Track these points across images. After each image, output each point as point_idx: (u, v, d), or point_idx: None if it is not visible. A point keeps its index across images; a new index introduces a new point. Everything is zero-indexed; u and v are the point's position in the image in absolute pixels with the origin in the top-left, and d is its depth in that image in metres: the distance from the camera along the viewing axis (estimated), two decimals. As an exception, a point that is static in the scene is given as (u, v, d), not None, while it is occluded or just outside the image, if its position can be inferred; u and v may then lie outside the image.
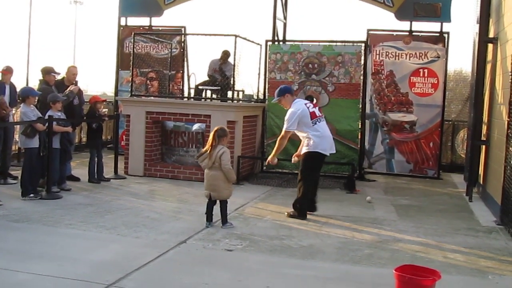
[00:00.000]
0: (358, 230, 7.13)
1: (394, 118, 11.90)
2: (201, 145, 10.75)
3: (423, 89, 11.80)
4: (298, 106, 7.70)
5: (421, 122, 11.78)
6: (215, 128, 7.07)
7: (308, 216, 7.67)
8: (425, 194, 10.11)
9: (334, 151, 7.91)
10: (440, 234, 7.05)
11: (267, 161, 7.86)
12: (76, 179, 9.77)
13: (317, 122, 7.68)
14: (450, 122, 13.27)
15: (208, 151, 6.92)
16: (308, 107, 7.70)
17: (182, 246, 6.09)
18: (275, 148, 7.90)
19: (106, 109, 10.95)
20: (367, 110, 11.94)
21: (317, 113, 7.76)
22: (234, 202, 7.77)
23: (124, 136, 11.23)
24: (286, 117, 7.73)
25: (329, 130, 7.87)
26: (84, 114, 10.14)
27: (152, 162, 10.82)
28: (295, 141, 11.21)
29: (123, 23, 14.05)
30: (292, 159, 8.10)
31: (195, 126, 10.98)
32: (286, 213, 7.81)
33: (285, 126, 7.70)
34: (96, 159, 9.82)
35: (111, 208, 7.77)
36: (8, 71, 9.93)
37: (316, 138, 7.59)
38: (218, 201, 7.08)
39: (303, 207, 7.73)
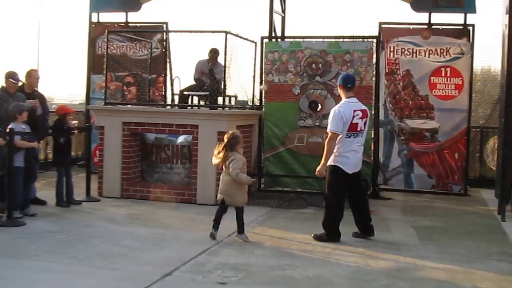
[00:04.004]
0: (372, 256, 7.12)
1: (413, 126, 11.93)
2: (188, 161, 10.77)
3: (445, 91, 11.85)
4: (344, 109, 7.77)
5: (444, 129, 11.82)
6: (227, 135, 7.70)
7: (317, 242, 7.75)
8: (450, 213, 10.12)
9: (357, 170, 7.99)
10: (469, 260, 7.04)
11: (316, 171, 7.91)
12: (42, 203, 9.74)
13: (353, 137, 7.78)
14: (477, 129, 13.29)
15: (220, 157, 7.65)
16: (354, 115, 7.76)
17: (167, 280, 6.08)
18: (324, 154, 7.88)
19: (76, 121, 10.92)
20: (381, 116, 11.97)
21: (360, 126, 7.81)
22: (227, 226, 7.77)
23: (97, 152, 11.22)
24: (329, 116, 7.87)
25: (362, 148, 7.99)
26: (49, 126, 10.13)
27: (131, 182, 10.82)
28: (299, 155, 11.29)
29: (94, 19, 14.07)
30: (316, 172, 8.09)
31: (180, 139, 10.98)
32: (312, 236, 7.94)
33: (328, 126, 7.83)
34: (64, 178, 9.81)
35: (83, 236, 7.74)
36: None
37: (339, 153, 7.75)
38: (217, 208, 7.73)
39: (331, 228, 7.84)
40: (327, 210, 7.98)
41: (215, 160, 7.77)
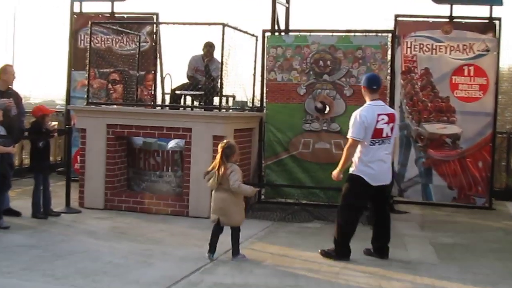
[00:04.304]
0: (386, 277, 7.12)
1: (432, 131, 11.94)
2: (179, 168, 10.77)
3: (468, 92, 11.86)
4: (366, 113, 7.77)
5: (466, 135, 11.83)
6: (221, 145, 7.58)
7: (323, 260, 7.74)
8: (473, 229, 10.12)
9: (386, 183, 8.00)
10: (494, 281, 7.05)
11: (332, 175, 7.95)
12: (16, 214, 9.74)
13: (378, 144, 7.76)
14: (504, 135, 13.31)
15: (216, 170, 7.48)
16: (379, 120, 7.76)
17: (156, 301, 6.08)
18: (342, 160, 7.91)
19: (56, 122, 10.94)
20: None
21: (386, 132, 7.79)
22: (224, 242, 7.76)
23: (78, 157, 11.23)
24: (350, 121, 7.88)
25: (390, 158, 7.99)
26: (25, 129, 10.14)
27: (115, 191, 10.82)
28: (304, 163, 11.29)
29: (77, 9, 14.09)
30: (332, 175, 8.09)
31: (172, 143, 10.99)
32: (319, 251, 7.95)
33: (349, 132, 7.83)
34: (42, 187, 9.81)
35: (62, 252, 7.74)
36: None
37: (362, 161, 7.75)
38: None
39: (340, 244, 7.85)
40: (338, 223, 7.97)
41: (213, 182, 7.53)
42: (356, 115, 7.80)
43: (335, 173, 7.95)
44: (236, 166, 7.64)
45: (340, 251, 7.86)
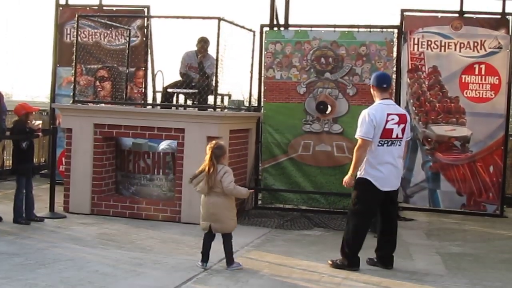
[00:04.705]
0: (390, 288, 7.14)
1: (440, 133, 11.96)
2: (171, 171, 10.78)
3: (479, 92, 11.88)
4: (375, 112, 7.79)
5: (477, 137, 11.85)
6: (210, 146, 7.52)
7: (324, 270, 7.71)
8: (483, 238, 10.14)
9: (394, 188, 8.01)
10: (505, 294, 7.06)
11: (343, 182, 7.96)
12: (-4, 219, 9.76)
13: (386, 145, 7.77)
14: (517, 138, 13.34)
15: (206, 172, 7.37)
16: (388, 120, 7.76)
17: (145, 312, 6.08)
18: (352, 163, 7.89)
19: (40, 121, 10.93)
20: (402, 121, 11.99)
21: (396, 133, 7.80)
22: (218, 250, 7.76)
23: (63, 159, 11.22)
24: (359, 120, 7.88)
25: (400, 161, 8.00)
26: (7, 128, 10.13)
27: (103, 195, 10.82)
28: (304, 166, 11.31)
29: (62, 1, 14.12)
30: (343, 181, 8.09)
31: (163, 145, 11.00)
32: (329, 262, 7.94)
33: (357, 131, 7.83)
34: (24, 190, 9.80)
35: (46, 259, 7.73)
36: None
37: (370, 163, 7.75)
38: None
39: (352, 252, 7.83)
40: (349, 230, 7.94)
41: (204, 185, 7.44)
42: (364, 113, 7.80)
43: (346, 179, 7.90)
44: (227, 167, 7.59)
45: (350, 261, 7.84)
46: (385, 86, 8.00)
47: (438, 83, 11.97)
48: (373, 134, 7.70)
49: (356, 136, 7.83)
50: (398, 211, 11.44)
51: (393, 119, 7.78)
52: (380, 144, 7.74)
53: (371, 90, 8.12)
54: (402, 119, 7.87)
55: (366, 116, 7.75)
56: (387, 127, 7.74)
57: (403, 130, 7.88)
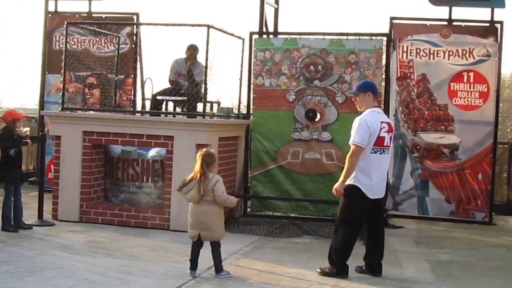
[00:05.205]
0: (379, 296, 7.16)
1: (429, 140, 11.99)
2: (160, 179, 10.77)
3: (468, 100, 11.93)
4: (371, 119, 7.78)
5: (465, 145, 11.88)
6: (200, 153, 7.51)
7: (313, 277, 7.70)
8: (472, 245, 10.16)
9: (381, 196, 8.02)
10: (493, 301, 7.09)
11: (333, 189, 7.94)
12: (-16, 227, 9.73)
13: (379, 153, 7.79)
14: (505, 146, 13.38)
15: (197, 180, 7.36)
16: (381, 128, 7.79)
17: (134, 320, 6.08)
18: (344, 170, 7.86)
19: (28, 128, 10.90)
20: (391, 129, 12.02)
21: (387, 141, 7.85)
22: (206, 258, 7.76)
23: (52, 166, 11.20)
24: (353, 126, 7.83)
25: (386, 170, 8.04)
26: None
27: (92, 203, 10.81)
28: (293, 174, 11.32)
29: (51, 8, 14.10)
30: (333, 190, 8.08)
31: (152, 152, 11.00)
32: (318, 270, 7.93)
33: (352, 138, 7.78)
34: (13, 198, 9.78)
35: (34, 267, 7.71)
36: None
37: (362, 170, 7.74)
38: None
39: (341, 260, 7.83)
40: (337, 239, 7.93)
41: (196, 194, 7.42)
42: (360, 119, 7.78)
43: (337, 186, 7.86)
44: (218, 176, 7.58)
45: (340, 269, 7.84)
46: (376, 92, 8.08)
47: (427, 91, 12.00)
48: (367, 141, 7.72)
49: (350, 142, 7.80)
50: (386, 218, 11.51)
51: (384, 127, 7.82)
52: (373, 152, 7.74)
53: (362, 97, 8.01)
54: (390, 127, 7.92)
55: (362, 122, 7.73)
56: (380, 135, 7.76)
57: (391, 139, 7.94)
